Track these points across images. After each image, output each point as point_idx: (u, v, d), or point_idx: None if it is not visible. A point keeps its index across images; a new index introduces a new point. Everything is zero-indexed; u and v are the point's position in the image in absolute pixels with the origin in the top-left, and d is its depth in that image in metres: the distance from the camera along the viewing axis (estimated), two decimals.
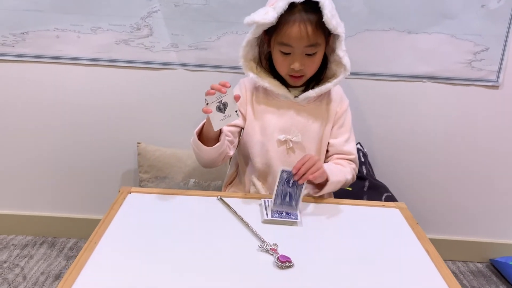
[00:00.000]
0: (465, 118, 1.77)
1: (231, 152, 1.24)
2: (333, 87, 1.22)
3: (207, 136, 1.14)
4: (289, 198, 1.05)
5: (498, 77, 1.70)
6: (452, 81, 1.71)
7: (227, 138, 1.19)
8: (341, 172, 1.21)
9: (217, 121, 1.05)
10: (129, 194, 1.12)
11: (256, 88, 1.28)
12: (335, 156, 1.29)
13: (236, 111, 1.05)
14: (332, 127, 1.29)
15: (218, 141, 1.14)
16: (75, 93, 1.75)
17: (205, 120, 1.14)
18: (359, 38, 1.64)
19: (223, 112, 1.04)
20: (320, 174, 1.09)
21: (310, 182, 1.13)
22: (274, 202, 1.05)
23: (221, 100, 1.03)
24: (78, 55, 1.69)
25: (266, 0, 1.20)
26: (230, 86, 1.03)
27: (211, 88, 1.03)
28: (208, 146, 1.13)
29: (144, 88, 1.74)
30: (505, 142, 1.80)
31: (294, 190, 1.06)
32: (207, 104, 1.03)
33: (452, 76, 1.70)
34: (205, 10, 1.62)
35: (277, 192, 1.05)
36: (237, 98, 1.05)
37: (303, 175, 1.05)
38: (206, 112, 1.03)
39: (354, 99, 1.68)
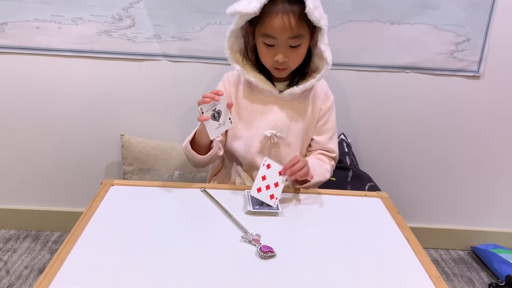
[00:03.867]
0: (447, 108, 1.79)
1: (221, 152, 1.26)
2: (317, 82, 1.21)
3: (199, 144, 1.17)
4: (267, 205, 1.06)
5: (479, 68, 1.72)
6: (435, 71, 1.73)
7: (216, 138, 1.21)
8: (322, 171, 1.25)
9: (213, 130, 1.07)
10: (112, 187, 1.11)
11: (241, 82, 1.28)
12: (318, 151, 1.32)
13: (230, 118, 1.07)
14: (317, 123, 1.29)
15: (210, 147, 1.17)
16: (56, 85, 1.72)
17: (196, 128, 1.16)
18: (343, 29, 1.65)
19: (218, 120, 1.06)
20: (305, 177, 1.12)
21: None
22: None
23: (215, 108, 1.05)
24: (59, 47, 1.66)
25: None
26: (223, 94, 1.05)
27: (204, 97, 1.04)
28: (200, 151, 1.16)
29: (127, 79, 1.72)
30: (486, 131, 1.83)
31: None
32: (202, 112, 1.04)
33: (434, 66, 1.72)
34: (188, 1, 1.60)
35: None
36: (229, 106, 1.07)
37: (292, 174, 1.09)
38: (203, 120, 1.05)
39: (338, 90, 1.69)
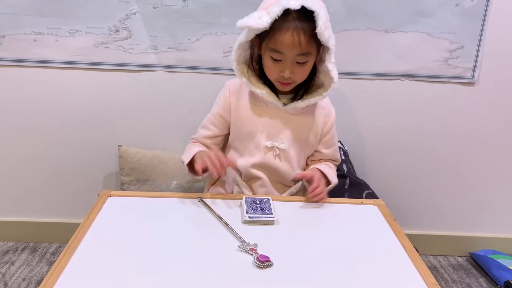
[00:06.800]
0: (443, 114, 1.80)
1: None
2: (322, 99, 1.23)
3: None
4: (260, 209, 1.07)
5: (473, 74, 1.73)
6: (429, 78, 1.74)
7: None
8: (335, 175, 1.30)
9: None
10: (109, 198, 1.12)
11: (243, 91, 1.28)
12: (324, 160, 1.36)
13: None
14: (323, 137, 1.32)
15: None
16: (54, 97, 1.73)
17: (195, 152, 1.18)
18: (337, 38, 1.62)
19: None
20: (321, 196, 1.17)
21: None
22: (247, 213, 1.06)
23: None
24: (56, 59, 1.67)
25: (243, 1, 1.19)
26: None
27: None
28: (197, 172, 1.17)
29: (124, 90, 1.73)
30: (482, 137, 1.84)
31: (263, 204, 1.09)
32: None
33: (429, 73, 1.73)
34: (183, 12, 1.62)
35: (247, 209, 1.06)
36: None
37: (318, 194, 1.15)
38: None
39: (333, 98, 1.69)
